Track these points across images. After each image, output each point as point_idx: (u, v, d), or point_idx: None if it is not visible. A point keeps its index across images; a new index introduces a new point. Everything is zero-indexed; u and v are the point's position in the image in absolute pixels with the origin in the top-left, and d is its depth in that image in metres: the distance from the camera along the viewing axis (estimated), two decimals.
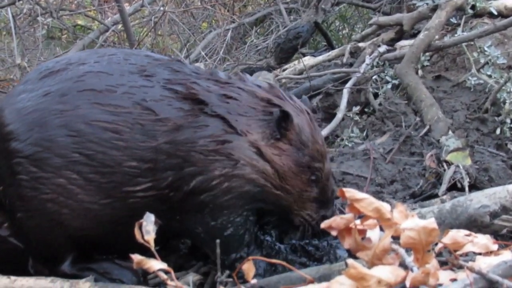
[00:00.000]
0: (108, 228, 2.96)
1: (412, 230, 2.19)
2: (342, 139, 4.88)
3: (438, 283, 2.17)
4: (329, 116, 5.35)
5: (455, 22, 5.56)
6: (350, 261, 2.10)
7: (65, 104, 2.93)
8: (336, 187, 3.37)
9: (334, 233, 2.45)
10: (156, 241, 2.24)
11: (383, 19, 6.54)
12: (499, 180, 3.85)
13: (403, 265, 2.23)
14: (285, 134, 2.91)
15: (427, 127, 4.46)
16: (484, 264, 2.25)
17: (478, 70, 4.86)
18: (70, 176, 2.89)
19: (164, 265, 2.22)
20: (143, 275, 3.03)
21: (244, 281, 2.23)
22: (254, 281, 2.18)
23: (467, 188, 3.69)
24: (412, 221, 2.22)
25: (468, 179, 3.77)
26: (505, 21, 5.06)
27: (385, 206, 2.33)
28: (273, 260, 2.55)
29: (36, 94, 3.00)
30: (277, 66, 7.24)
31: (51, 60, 3.42)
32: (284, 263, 2.45)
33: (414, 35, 5.83)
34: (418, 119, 4.63)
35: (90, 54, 3.19)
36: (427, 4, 5.74)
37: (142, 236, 2.23)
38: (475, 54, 4.99)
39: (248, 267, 2.17)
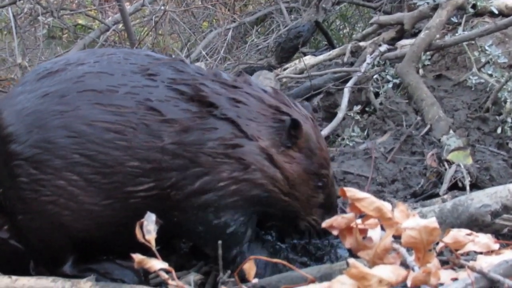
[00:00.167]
0: (108, 229, 2.95)
1: (413, 230, 2.19)
2: (343, 139, 4.88)
3: (439, 283, 2.17)
4: (329, 115, 5.35)
5: (456, 21, 5.56)
6: (351, 260, 2.10)
7: (64, 105, 2.91)
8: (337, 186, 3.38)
9: (335, 232, 2.45)
10: (156, 240, 2.24)
11: (384, 18, 6.53)
12: (500, 179, 3.85)
13: (404, 265, 2.23)
14: (295, 143, 2.93)
15: (428, 126, 4.46)
16: (485, 263, 2.25)
17: (479, 69, 4.86)
18: (71, 177, 2.87)
19: (165, 265, 2.22)
20: (144, 274, 3.04)
21: (246, 281, 2.23)
22: (255, 280, 2.18)
23: (468, 187, 3.69)
24: (413, 221, 2.22)
25: (469, 178, 3.77)
26: (506, 20, 5.07)
27: (386, 206, 2.33)
28: (274, 260, 2.55)
29: (35, 95, 2.98)
30: (277, 66, 7.24)
31: (49, 61, 3.39)
32: (285, 262, 2.45)
33: (415, 34, 5.82)
34: (419, 118, 4.63)
35: (89, 54, 3.16)
36: (428, 3, 5.74)
37: (143, 236, 2.23)
38: (476, 53, 4.99)
39: (249, 267, 2.17)
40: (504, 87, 4.53)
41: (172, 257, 3.22)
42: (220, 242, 2.37)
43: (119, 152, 2.85)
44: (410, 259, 2.21)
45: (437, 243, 2.38)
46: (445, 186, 3.79)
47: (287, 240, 3.16)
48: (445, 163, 3.97)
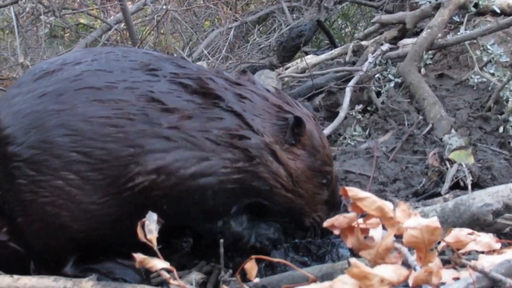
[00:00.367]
0: (107, 228, 2.94)
1: (415, 229, 2.19)
2: (345, 138, 4.87)
3: (441, 282, 2.16)
4: (331, 114, 5.35)
5: (458, 20, 5.55)
6: (352, 260, 2.10)
7: (62, 104, 2.89)
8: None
9: (336, 232, 2.44)
10: (157, 240, 2.24)
11: (385, 17, 6.53)
12: (502, 179, 3.85)
13: (406, 264, 2.23)
14: (299, 140, 2.95)
15: (430, 125, 4.46)
16: (487, 262, 2.25)
17: (481, 69, 4.86)
18: (68, 176, 2.85)
19: (166, 264, 2.22)
20: (146, 273, 3.04)
21: (247, 280, 2.23)
22: (256, 280, 2.18)
23: (470, 187, 3.69)
24: (415, 220, 2.22)
25: (471, 178, 3.77)
26: (508, 19, 5.06)
27: (387, 205, 2.33)
28: (276, 259, 2.55)
29: (31, 96, 2.96)
30: (279, 65, 7.24)
31: (44, 61, 3.37)
32: (286, 262, 2.45)
33: (417, 34, 5.82)
34: (420, 117, 4.63)
35: (86, 53, 3.15)
36: (430, 2, 5.73)
37: (145, 235, 2.23)
38: (478, 52, 4.98)
39: (251, 266, 2.17)
40: (506, 86, 4.53)
41: (173, 256, 3.22)
42: (221, 241, 2.37)
43: (115, 144, 2.83)
44: (412, 258, 2.21)
45: (439, 243, 2.38)
46: (446, 185, 3.79)
47: (289, 239, 3.16)
48: (447, 162, 3.97)
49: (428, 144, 4.33)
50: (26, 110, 2.92)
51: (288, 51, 7.54)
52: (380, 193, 3.86)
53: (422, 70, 5.20)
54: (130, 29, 7.72)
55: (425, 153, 4.21)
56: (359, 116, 5.13)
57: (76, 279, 2.81)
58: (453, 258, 2.31)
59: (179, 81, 2.94)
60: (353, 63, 5.90)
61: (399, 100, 4.91)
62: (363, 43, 6.34)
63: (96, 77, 2.94)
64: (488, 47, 4.97)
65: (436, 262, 2.25)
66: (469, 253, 2.46)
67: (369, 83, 5.37)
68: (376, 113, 5.07)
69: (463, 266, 2.25)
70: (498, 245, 2.42)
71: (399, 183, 4.04)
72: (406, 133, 4.44)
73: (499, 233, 2.82)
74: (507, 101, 4.50)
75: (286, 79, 6.29)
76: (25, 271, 3.00)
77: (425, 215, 2.92)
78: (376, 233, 2.42)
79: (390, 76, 5.37)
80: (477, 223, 2.85)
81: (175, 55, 7.54)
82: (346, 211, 2.36)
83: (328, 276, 2.55)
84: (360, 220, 2.41)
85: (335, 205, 3.10)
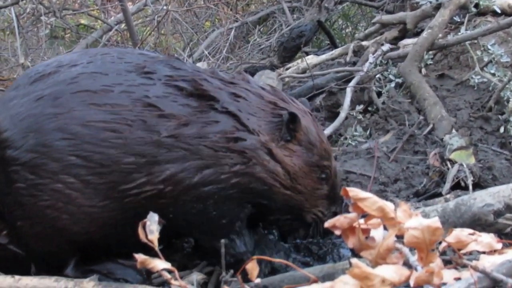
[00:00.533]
0: (108, 230, 2.94)
1: (416, 229, 2.18)
2: (346, 138, 4.87)
3: (442, 282, 2.16)
4: (332, 115, 5.34)
5: (459, 20, 5.55)
6: (354, 260, 2.10)
7: (59, 107, 2.88)
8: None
9: (337, 232, 2.44)
10: (158, 240, 2.24)
11: (386, 17, 6.53)
12: (503, 179, 3.85)
13: (407, 264, 2.23)
14: (294, 136, 2.95)
15: (431, 125, 4.46)
16: (488, 263, 2.25)
17: (481, 69, 4.85)
18: (67, 180, 2.85)
19: (168, 265, 2.22)
20: (147, 274, 3.03)
21: (248, 280, 2.23)
22: (258, 280, 2.18)
23: (470, 187, 3.69)
24: (416, 220, 2.22)
25: (471, 178, 3.77)
26: (508, 19, 5.06)
27: (388, 205, 2.33)
28: (277, 259, 2.55)
29: (28, 99, 2.95)
30: (280, 65, 7.23)
31: (40, 63, 3.37)
32: (287, 262, 2.45)
33: (417, 34, 5.81)
34: (421, 117, 4.63)
35: (82, 55, 3.14)
36: (430, 2, 5.73)
37: (146, 236, 2.23)
38: (478, 53, 4.98)
39: (252, 267, 2.17)
40: (507, 86, 4.52)
41: (174, 256, 3.22)
42: (223, 241, 2.37)
43: (115, 150, 2.83)
44: (413, 258, 2.21)
45: (440, 243, 2.38)
46: (447, 185, 3.78)
47: (290, 239, 3.17)
48: (448, 163, 3.97)
49: (429, 144, 4.33)
50: (24, 114, 2.92)
51: (288, 51, 7.54)
52: (381, 194, 3.86)
53: (423, 70, 5.19)
54: (131, 29, 7.72)
55: (426, 153, 4.21)
56: (360, 116, 5.13)
57: (77, 280, 2.81)
58: (454, 259, 2.31)
59: (174, 84, 2.94)
60: (354, 64, 5.89)
61: (400, 101, 4.91)
62: (364, 43, 6.33)
63: (92, 80, 2.94)
64: (489, 47, 4.97)
65: (437, 262, 2.25)
66: (470, 253, 2.46)
67: (370, 84, 5.37)
68: (377, 113, 5.06)
69: (464, 266, 2.25)
70: (499, 245, 2.42)
71: (400, 184, 4.04)
72: (407, 133, 4.44)
73: (500, 233, 2.82)
74: (507, 101, 4.50)
75: (286, 79, 6.28)
76: (26, 274, 2.98)
77: (426, 215, 2.92)
78: (377, 233, 2.42)
79: (391, 77, 5.36)
80: (478, 223, 2.86)
81: (175, 55, 7.54)
82: (347, 211, 2.36)
83: (329, 277, 2.55)
84: (361, 221, 2.41)
85: (336, 200, 3.09)
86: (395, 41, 6.02)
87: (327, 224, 2.45)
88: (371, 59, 5.54)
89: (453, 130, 4.30)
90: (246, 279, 2.20)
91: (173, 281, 2.20)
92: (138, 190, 2.84)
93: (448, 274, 2.25)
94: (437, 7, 5.52)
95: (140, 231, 2.23)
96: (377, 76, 5.42)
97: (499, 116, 4.49)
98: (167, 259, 2.24)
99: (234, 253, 2.95)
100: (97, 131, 2.84)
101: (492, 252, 2.40)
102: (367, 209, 2.33)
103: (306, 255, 3.14)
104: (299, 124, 2.95)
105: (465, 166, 3.85)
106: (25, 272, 3.01)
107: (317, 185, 3.03)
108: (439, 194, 3.75)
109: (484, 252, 2.40)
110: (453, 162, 3.94)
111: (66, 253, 3.02)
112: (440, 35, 5.29)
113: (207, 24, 10.29)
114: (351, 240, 2.42)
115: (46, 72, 3.03)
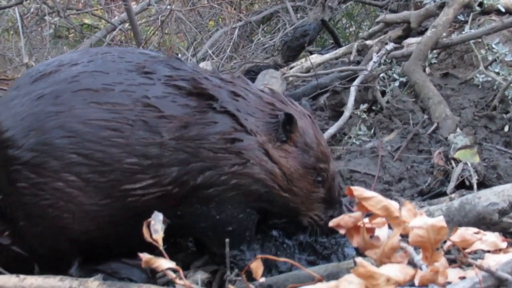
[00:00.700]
0: (109, 229, 2.94)
1: (421, 228, 2.18)
2: (350, 137, 4.87)
3: (447, 281, 2.16)
4: (336, 114, 5.35)
5: (463, 19, 5.55)
6: (358, 259, 2.10)
7: (60, 106, 2.88)
8: (342, 186, 3.38)
9: (342, 231, 2.44)
10: (163, 239, 2.24)
11: (390, 16, 6.53)
12: (508, 178, 3.84)
13: (412, 264, 2.23)
14: (290, 137, 2.94)
15: (435, 124, 4.46)
16: (493, 262, 2.24)
17: (486, 68, 4.85)
18: (68, 178, 2.85)
19: (172, 264, 2.22)
20: (152, 273, 3.04)
21: (253, 280, 2.23)
22: (262, 279, 2.18)
23: (475, 186, 3.69)
24: (421, 219, 2.22)
25: (476, 177, 3.77)
26: None
27: (393, 204, 2.33)
28: (281, 259, 2.55)
29: (29, 98, 2.95)
30: (284, 64, 7.23)
31: (41, 63, 3.37)
32: (292, 261, 2.45)
33: (421, 33, 5.82)
34: (426, 116, 4.62)
35: (82, 54, 3.14)
36: (434, 1, 5.73)
37: (151, 235, 2.23)
38: (482, 52, 4.97)
39: (257, 266, 2.17)
40: (511, 85, 4.52)
41: (179, 255, 3.22)
42: (227, 240, 2.37)
43: (116, 149, 2.83)
44: (418, 258, 2.21)
45: (445, 242, 2.38)
46: (452, 184, 3.78)
47: (294, 238, 3.16)
48: (452, 162, 3.96)
49: (433, 143, 4.33)
50: (25, 112, 2.92)
51: (292, 50, 7.54)
52: (386, 193, 3.85)
53: (427, 69, 5.19)
54: (135, 29, 7.72)
55: (430, 152, 4.21)
56: (364, 115, 5.13)
57: (82, 279, 2.80)
58: (459, 257, 2.31)
59: (174, 83, 2.95)
60: (358, 63, 5.90)
61: (404, 100, 4.91)
62: (368, 42, 6.33)
63: (93, 79, 2.94)
64: (493, 46, 4.96)
65: (442, 261, 2.25)
66: (475, 252, 2.46)
67: (374, 83, 5.37)
68: (381, 112, 5.07)
69: (469, 265, 2.25)
70: (504, 244, 2.42)
71: (405, 183, 4.03)
72: (411, 132, 4.43)
73: (505, 232, 2.81)
74: None
75: (290, 78, 6.29)
76: (30, 274, 3.00)
77: (430, 214, 2.92)
78: (382, 232, 2.42)
79: (395, 76, 5.36)
80: (483, 222, 2.85)
81: (179, 55, 7.54)
82: (349, 210, 2.36)
83: (334, 276, 2.55)
84: (366, 220, 2.41)
85: (333, 203, 3.07)
86: (399, 40, 6.03)
87: (331, 223, 2.45)
88: (375, 58, 5.54)
89: (458, 129, 4.30)
90: (250, 278, 2.20)
91: (177, 280, 2.21)
92: (143, 191, 2.85)
93: (453, 273, 2.25)
94: (441, 6, 5.52)
95: (145, 230, 2.24)
96: (381, 75, 5.42)
97: (504, 115, 4.49)
98: (172, 258, 2.25)
99: (243, 265, 2.89)
100: (98, 129, 2.84)
101: (497, 251, 2.40)
102: (372, 208, 2.33)
103: (311, 254, 3.13)
104: (295, 125, 2.94)
105: (469, 165, 3.85)
106: (29, 272, 2.99)
107: (313, 188, 3.01)
108: (444, 193, 3.74)
109: (489, 251, 2.40)
110: (457, 161, 3.94)
111: (68, 253, 3.01)
112: (444, 34, 5.29)
113: (210, 23, 10.29)
114: (356, 239, 2.42)
115: (47, 71, 3.03)
